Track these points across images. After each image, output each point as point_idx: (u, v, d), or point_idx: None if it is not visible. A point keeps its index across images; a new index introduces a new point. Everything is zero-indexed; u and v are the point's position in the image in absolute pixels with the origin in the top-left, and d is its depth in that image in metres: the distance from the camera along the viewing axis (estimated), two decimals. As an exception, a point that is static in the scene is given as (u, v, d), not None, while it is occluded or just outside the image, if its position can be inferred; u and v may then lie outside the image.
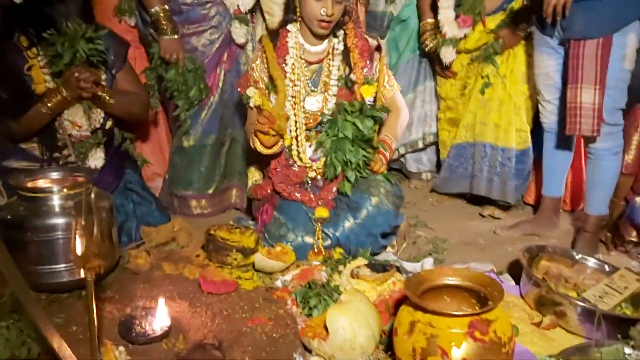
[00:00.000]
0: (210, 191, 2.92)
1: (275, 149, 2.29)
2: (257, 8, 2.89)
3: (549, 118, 2.65)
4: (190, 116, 2.79)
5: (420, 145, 3.28)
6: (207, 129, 2.83)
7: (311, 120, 2.41)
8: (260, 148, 2.27)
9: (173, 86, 2.68)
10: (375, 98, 2.41)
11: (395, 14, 3.15)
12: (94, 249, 1.43)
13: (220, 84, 2.82)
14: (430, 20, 2.99)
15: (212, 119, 2.83)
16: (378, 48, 2.45)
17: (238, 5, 2.72)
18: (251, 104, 2.35)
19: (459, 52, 2.94)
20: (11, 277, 1.29)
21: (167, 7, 2.60)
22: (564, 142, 2.63)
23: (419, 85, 3.19)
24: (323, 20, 2.25)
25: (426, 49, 3.03)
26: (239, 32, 2.75)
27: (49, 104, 2.27)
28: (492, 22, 2.84)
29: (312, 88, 2.40)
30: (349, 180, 2.30)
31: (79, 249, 1.40)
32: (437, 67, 3.07)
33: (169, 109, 2.91)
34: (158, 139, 3.04)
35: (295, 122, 2.40)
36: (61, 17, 2.25)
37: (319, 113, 2.40)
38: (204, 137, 2.84)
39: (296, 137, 2.41)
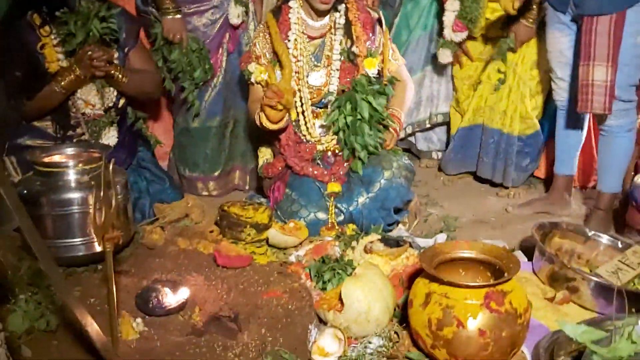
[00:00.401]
0: (217, 173, 2.93)
1: (281, 124, 2.29)
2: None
3: (562, 95, 2.64)
4: (195, 97, 2.79)
5: (427, 125, 3.26)
6: (211, 110, 2.83)
7: (315, 96, 2.41)
8: (266, 123, 2.26)
9: (178, 67, 2.66)
10: (379, 72, 2.39)
11: None
12: (113, 221, 1.45)
13: (224, 65, 2.80)
14: None
15: (215, 101, 2.83)
16: (379, 21, 2.44)
17: None
18: (252, 80, 2.37)
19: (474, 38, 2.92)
20: (38, 249, 1.31)
21: None
22: (576, 119, 2.61)
23: (428, 64, 3.17)
24: None
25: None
26: (233, 12, 2.71)
27: (62, 83, 2.28)
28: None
29: (315, 63, 2.41)
30: (361, 160, 2.30)
31: (98, 220, 1.41)
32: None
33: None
34: (169, 118, 3.04)
35: (301, 97, 2.40)
36: None
37: (323, 87, 2.40)
38: (208, 118, 2.83)
39: (303, 113, 2.41)
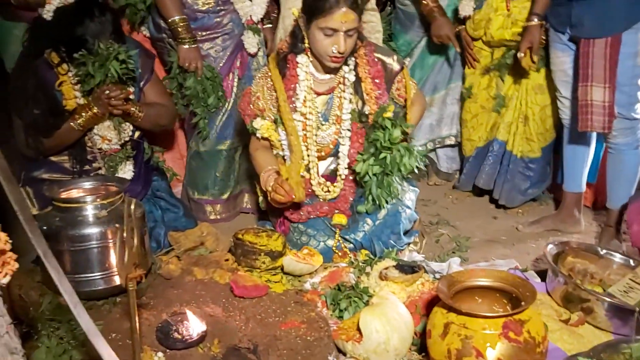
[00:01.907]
0: (225, 197, 2.96)
1: (287, 204, 2.26)
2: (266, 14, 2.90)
3: (567, 114, 2.66)
4: (206, 124, 2.83)
5: (452, 142, 3.28)
6: (222, 134, 2.86)
7: (323, 153, 2.38)
8: (273, 202, 2.24)
9: (192, 94, 2.71)
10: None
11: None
12: (135, 260, 1.48)
13: (234, 90, 2.85)
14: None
15: (226, 125, 2.86)
16: (399, 71, 2.35)
17: (251, 16, 2.74)
18: (258, 136, 2.34)
19: (480, 41, 2.92)
20: (61, 283, 1.32)
21: (185, 16, 2.61)
22: (582, 137, 2.63)
23: (451, 83, 3.19)
24: (335, 56, 2.14)
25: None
26: (251, 42, 2.77)
27: (79, 121, 2.30)
28: (516, 8, 2.76)
29: (322, 121, 2.34)
30: (379, 205, 2.29)
31: (121, 260, 1.44)
32: (463, 47, 3.00)
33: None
34: (178, 145, 3.07)
35: (308, 155, 2.35)
36: (93, 37, 2.26)
37: (331, 145, 2.37)
38: (219, 142, 2.87)
39: (308, 170, 2.37)
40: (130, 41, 2.52)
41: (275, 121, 2.33)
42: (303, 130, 2.31)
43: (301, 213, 2.34)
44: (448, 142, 3.27)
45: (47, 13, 2.36)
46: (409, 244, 2.42)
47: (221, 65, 2.78)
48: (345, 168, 2.37)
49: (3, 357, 1.06)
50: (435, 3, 2.92)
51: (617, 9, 2.28)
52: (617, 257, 2.20)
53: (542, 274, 2.17)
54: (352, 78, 2.28)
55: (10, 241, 1.15)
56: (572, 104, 2.60)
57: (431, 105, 3.19)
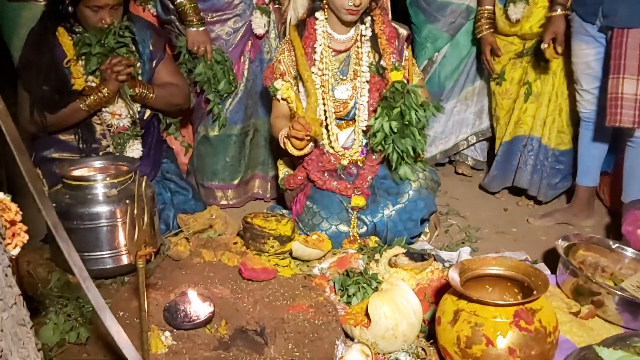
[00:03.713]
0: (236, 182, 2.94)
1: (306, 151, 2.28)
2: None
3: (587, 107, 2.62)
4: (220, 109, 2.81)
5: (474, 140, 3.27)
6: (232, 118, 2.84)
7: (341, 109, 2.41)
8: (292, 150, 2.25)
9: (202, 79, 2.68)
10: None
11: (475, 7, 3.00)
12: (145, 238, 1.47)
13: (245, 73, 2.81)
14: (489, 7, 2.88)
15: (236, 109, 2.84)
16: (408, 38, 2.44)
17: None
18: (278, 97, 2.36)
19: (512, 35, 2.87)
20: (70, 256, 1.32)
21: None
22: (601, 131, 2.60)
23: (477, 79, 3.17)
24: (351, 9, 2.23)
25: (478, 35, 2.92)
26: (258, 22, 2.72)
27: (87, 102, 2.29)
28: None
29: (341, 77, 2.41)
30: (409, 165, 2.29)
31: (131, 237, 1.44)
32: (484, 51, 2.94)
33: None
34: (188, 129, 3.05)
35: (325, 111, 2.40)
36: None
37: (349, 101, 2.40)
38: (229, 126, 2.84)
39: (326, 126, 2.41)
40: (141, 21, 2.51)
41: (295, 79, 2.39)
42: (321, 86, 2.37)
43: (324, 175, 2.36)
44: (489, 134, 3.25)
45: None
46: (419, 234, 2.42)
47: (232, 47, 2.75)
48: (364, 120, 2.39)
49: (12, 328, 1.05)
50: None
51: None
52: (629, 252, 2.17)
53: (553, 267, 2.15)
54: (369, 34, 2.38)
55: (21, 212, 1.14)
56: (595, 97, 2.56)
57: (471, 96, 3.16)
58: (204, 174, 2.92)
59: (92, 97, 2.29)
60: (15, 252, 1.13)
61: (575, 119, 2.81)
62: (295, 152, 2.26)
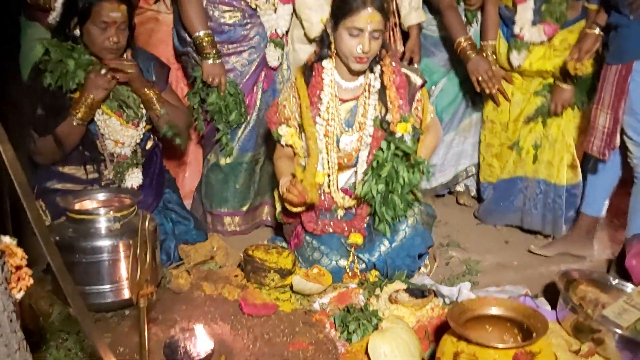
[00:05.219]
0: (245, 209, 2.95)
1: (302, 209, 2.28)
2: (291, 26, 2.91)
3: None
4: (229, 139, 2.84)
5: (474, 171, 3.27)
6: (244, 147, 2.86)
7: (345, 160, 2.39)
8: (287, 206, 2.26)
9: (214, 109, 2.71)
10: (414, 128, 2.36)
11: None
12: (147, 276, 1.49)
13: (258, 103, 2.84)
14: (492, 42, 2.89)
15: (248, 138, 2.86)
16: (422, 85, 2.39)
17: (275, 30, 2.74)
18: (282, 143, 2.36)
19: (515, 71, 2.88)
20: (71, 295, 1.33)
21: (210, 31, 2.61)
22: (610, 162, 2.57)
23: (475, 112, 3.17)
24: (359, 57, 2.20)
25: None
26: (273, 55, 2.77)
27: (78, 115, 2.27)
28: (557, 38, 2.73)
29: (346, 128, 2.36)
30: (388, 224, 2.29)
31: (133, 276, 1.45)
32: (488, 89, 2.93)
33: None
34: (196, 158, 3.08)
35: (328, 161, 2.37)
36: None
37: (354, 153, 2.38)
38: (240, 155, 2.87)
39: (328, 175, 2.38)
40: (145, 53, 2.55)
41: (299, 127, 2.36)
42: (325, 136, 2.34)
43: (318, 223, 2.35)
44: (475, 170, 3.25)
45: (53, 19, 2.39)
46: (420, 267, 2.42)
47: (246, 78, 2.78)
48: (362, 173, 2.37)
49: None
50: (468, 41, 2.88)
51: (632, 38, 2.28)
52: (629, 288, 2.17)
53: (553, 300, 2.15)
54: (378, 85, 2.33)
55: (26, 257, 1.16)
56: None
57: (469, 128, 3.19)
58: (212, 201, 2.93)
59: (81, 108, 2.27)
60: (19, 295, 1.15)
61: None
62: (291, 209, 2.27)
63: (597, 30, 2.54)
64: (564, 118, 2.80)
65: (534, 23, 2.73)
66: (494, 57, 2.91)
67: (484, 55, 2.87)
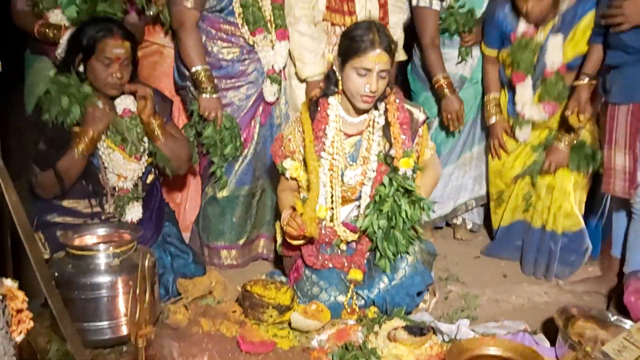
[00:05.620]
0: (242, 242, 2.95)
1: (302, 242, 2.30)
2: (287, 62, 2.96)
3: None
4: (225, 168, 2.85)
5: (474, 205, 3.30)
6: (241, 180, 2.88)
7: (349, 194, 2.40)
8: (287, 239, 2.29)
9: (210, 142, 2.74)
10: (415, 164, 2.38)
11: (468, 77, 3.10)
12: (146, 316, 1.49)
13: (255, 137, 2.87)
14: (495, 95, 2.97)
15: (245, 171, 2.89)
16: (424, 122, 2.43)
17: (273, 66, 2.79)
18: (287, 176, 2.39)
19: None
20: (68, 333, 1.33)
21: (208, 66, 2.66)
22: (623, 201, 2.57)
23: (475, 145, 3.21)
24: (367, 95, 2.24)
25: (489, 123, 2.99)
26: (270, 91, 2.81)
27: (80, 148, 2.28)
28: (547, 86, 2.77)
29: (350, 162, 2.39)
30: (389, 261, 2.29)
31: (132, 317, 1.45)
32: (492, 141, 3.01)
33: (200, 161, 2.97)
34: (196, 189, 3.09)
35: (332, 195, 2.38)
36: None
37: (358, 187, 2.39)
38: (237, 188, 2.89)
39: (332, 209, 2.40)
40: (147, 86, 2.58)
41: (303, 160, 2.38)
42: (329, 170, 2.36)
43: (319, 257, 2.35)
44: (475, 205, 3.28)
45: (59, 54, 2.44)
46: (418, 304, 2.42)
47: (244, 112, 2.82)
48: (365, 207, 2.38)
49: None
50: (446, 80, 2.97)
51: (639, 76, 2.31)
52: (628, 324, 2.18)
53: (552, 336, 2.14)
54: (382, 122, 2.36)
55: (27, 300, 1.16)
56: None
57: (469, 162, 3.21)
58: (209, 234, 2.93)
59: (82, 142, 2.28)
60: (19, 338, 1.15)
61: (581, 199, 2.82)
62: (292, 242, 2.29)
63: (586, 80, 2.59)
64: (558, 174, 2.81)
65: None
66: (498, 108, 2.97)
67: (458, 97, 2.99)
